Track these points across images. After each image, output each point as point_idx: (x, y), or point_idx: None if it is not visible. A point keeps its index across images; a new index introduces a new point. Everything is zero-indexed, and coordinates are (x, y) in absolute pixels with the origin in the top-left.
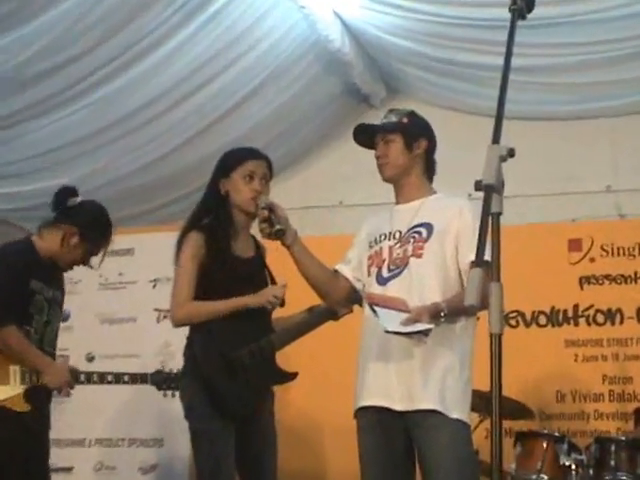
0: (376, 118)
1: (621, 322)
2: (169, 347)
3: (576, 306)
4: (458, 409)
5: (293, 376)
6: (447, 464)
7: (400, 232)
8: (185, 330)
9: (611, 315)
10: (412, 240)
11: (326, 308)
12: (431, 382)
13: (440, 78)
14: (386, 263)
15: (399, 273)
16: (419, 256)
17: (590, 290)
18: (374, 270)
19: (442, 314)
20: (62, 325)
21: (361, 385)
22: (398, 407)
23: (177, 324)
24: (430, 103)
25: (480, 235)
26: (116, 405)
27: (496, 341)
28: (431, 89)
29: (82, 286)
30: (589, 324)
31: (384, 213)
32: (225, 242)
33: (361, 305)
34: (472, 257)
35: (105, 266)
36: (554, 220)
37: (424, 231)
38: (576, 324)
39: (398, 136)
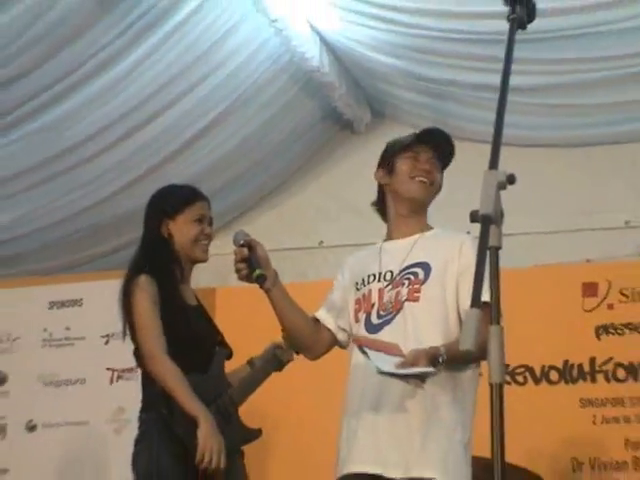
0: (360, 145)
1: None
2: (123, 413)
3: (593, 360)
4: (462, 479)
5: (257, 433)
6: None
7: (391, 272)
8: (139, 393)
9: (633, 370)
10: (407, 282)
11: (269, 359)
12: (431, 443)
13: (433, 100)
14: (375, 308)
15: (391, 319)
16: (415, 300)
17: (608, 341)
18: (362, 316)
19: (440, 359)
20: None
21: (346, 447)
22: (392, 474)
23: (150, 371)
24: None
25: (477, 272)
26: None
27: (497, 393)
28: (423, 113)
29: (22, 343)
30: (608, 380)
31: (370, 250)
32: (177, 288)
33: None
34: None
35: (49, 319)
36: (565, 261)
37: (420, 272)
38: (593, 380)
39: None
